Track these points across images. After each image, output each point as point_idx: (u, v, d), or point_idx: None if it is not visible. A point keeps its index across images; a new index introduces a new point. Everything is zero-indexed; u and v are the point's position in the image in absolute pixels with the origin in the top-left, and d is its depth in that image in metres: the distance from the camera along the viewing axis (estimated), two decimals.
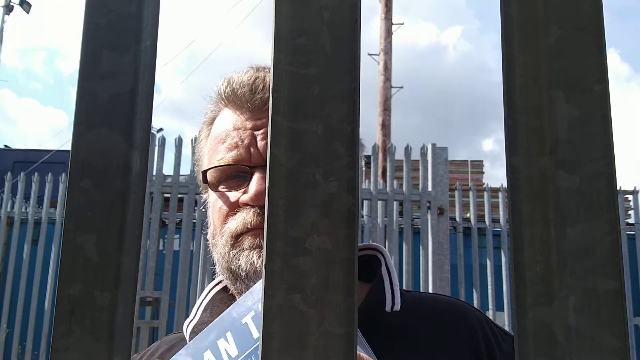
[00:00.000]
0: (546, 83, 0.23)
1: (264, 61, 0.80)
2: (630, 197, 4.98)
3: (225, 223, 0.74)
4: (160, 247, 4.04)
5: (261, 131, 0.74)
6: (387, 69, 8.25)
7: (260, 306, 0.63)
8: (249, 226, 0.71)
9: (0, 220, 4.51)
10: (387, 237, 4.03)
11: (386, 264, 0.79)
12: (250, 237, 0.72)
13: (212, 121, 0.82)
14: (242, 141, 0.74)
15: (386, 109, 8.11)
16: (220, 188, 0.76)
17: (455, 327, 0.75)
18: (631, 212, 4.59)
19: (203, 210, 0.84)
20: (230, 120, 0.77)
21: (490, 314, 4.19)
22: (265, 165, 0.74)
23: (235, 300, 0.78)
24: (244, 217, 0.72)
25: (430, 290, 3.86)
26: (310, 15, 0.24)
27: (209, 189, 0.77)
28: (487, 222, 4.32)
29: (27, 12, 12.56)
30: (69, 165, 0.24)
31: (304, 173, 0.23)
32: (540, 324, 0.22)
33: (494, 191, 4.66)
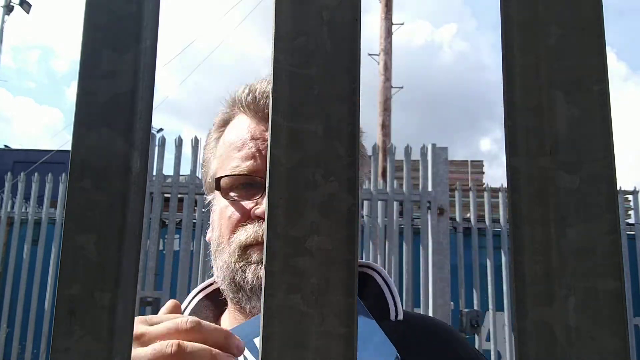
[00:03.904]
0: (546, 83, 0.23)
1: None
2: (630, 197, 4.98)
3: (234, 233, 0.74)
4: (160, 247, 4.04)
5: None
6: (387, 69, 8.25)
7: None
8: (259, 239, 0.71)
9: (0, 220, 4.51)
10: (387, 237, 4.03)
11: (382, 277, 0.80)
12: (259, 252, 0.71)
13: (224, 124, 0.82)
14: (260, 152, 0.74)
15: (386, 109, 8.11)
16: (232, 195, 0.75)
17: (449, 347, 0.78)
18: (631, 212, 4.59)
19: (204, 211, 0.84)
20: (247, 128, 0.77)
21: (490, 314, 4.19)
22: None
23: (223, 307, 0.80)
24: (255, 230, 0.72)
25: (430, 291, 3.86)
26: (310, 15, 0.24)
27: (220, 194, 0.77)
28: (487, 222, 4.32)
29: (27, 12, 12.56)
30: (69, 165, 0.24)
31: (304, 173, 0.23)
32: (541, 324, 0.22)
33: (494, 191, 4.66)
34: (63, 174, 4.44)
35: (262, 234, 0.71)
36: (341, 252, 0.23)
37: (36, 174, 4.52)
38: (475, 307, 4.10)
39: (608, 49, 0.25)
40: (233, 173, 0.75)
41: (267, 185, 0.23)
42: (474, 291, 4.18)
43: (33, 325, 4.31)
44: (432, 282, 3.88)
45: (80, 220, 0.24)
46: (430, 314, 3.83)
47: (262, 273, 0.77)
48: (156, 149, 4.01)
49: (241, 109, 0.79)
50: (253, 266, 0.71)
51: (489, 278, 4.18)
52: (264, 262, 0.23)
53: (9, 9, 12.40)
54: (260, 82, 0.79)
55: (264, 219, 0.78)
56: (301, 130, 0.24)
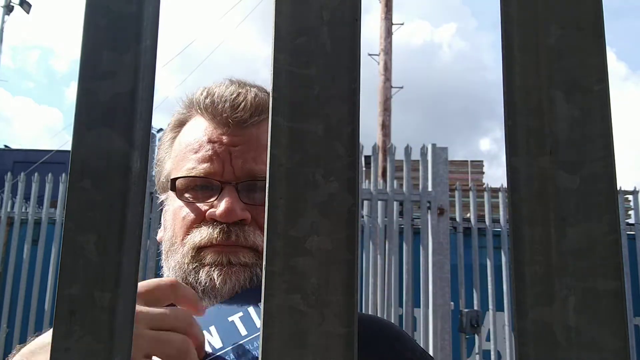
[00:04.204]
0: (546, 83, 0.23)
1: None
2: (630, 197, 4.98)
3: (188, 234, 0.74)
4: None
5: (237, 148, 0.74)
6: (387, 69, 8.25)
7: (250, 309, 0.64)
8: (213, 242, 0.71)
9: (0, 221, 4.51)
10: (387, 237, 4.03)
11: None
12: (212, 253, 0.72)
13: (180, 125, 0.82)
14: (217, 155, 0.74)
15: (386, 109, 8.11)
16: (187, 196, 0.75)
17: (395, 347, 0.79)
18: (631, 212, 4.59)
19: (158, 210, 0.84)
20: (204, 130, 0.76)
21: (490, 314, 4.19)
22: (236, 183, 0.75)
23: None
24: (210, 232, 0.72)
25: (430, 291, 3.86)
26: (310, 15, 0.24)
27: (175, 195, 0.77)
28: (487, 222, 4.32)
29: (27, 12, 12.56)
30: (69, 165, 0.24)
31: (304, 173, 0.23)
32: (540, 324, 0.22)
33: (494, 191, 4.66)
34: (63, 174, 4.44)
35: (217, 236, 0.71)
36: (341, 252, 0.23)
37: (36, 174, 4.52)
38: (475, 307, 4.10)
39: (608, 49, 0.25)
40: (189, 175, 0.75)
41: (267, 185, 0.23)
42: (474, 291, 4.18)
43: (33, 325, 4.31)
44: (432, 282, 3.88)
45: (80, 220, 0.24)
46: (430, 314, 3.83)
47: (220, 283, 0.76)
48: (156, 149, 4.02)
49: (199, 111, 0.78)
50: (206, 268, 0.71)
51: (489, 278, 4.18)
52: (264, 262, 0.23)
53: (9, 9, 12.40)
54: (219, 86, 0.79)
55: (219, 221, 0.73)
56: (301, 130, 0.24)
